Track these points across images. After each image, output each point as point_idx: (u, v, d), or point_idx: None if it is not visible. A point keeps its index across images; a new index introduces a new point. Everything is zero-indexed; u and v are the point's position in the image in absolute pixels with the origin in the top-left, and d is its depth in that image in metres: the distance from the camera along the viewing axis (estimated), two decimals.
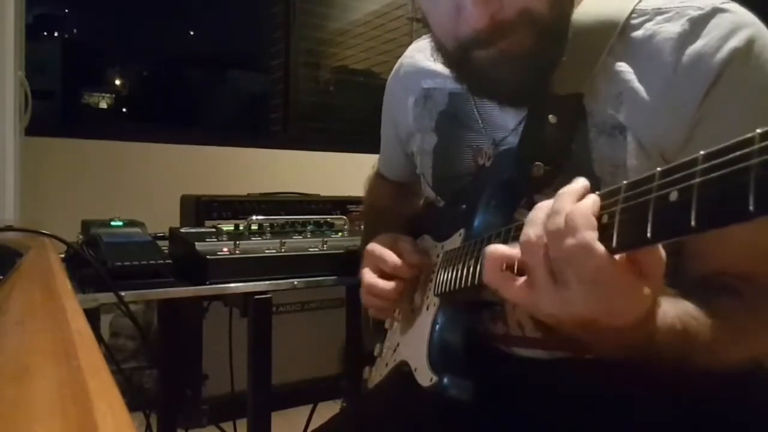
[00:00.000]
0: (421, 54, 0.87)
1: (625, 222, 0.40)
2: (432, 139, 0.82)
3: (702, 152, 0.34)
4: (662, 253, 0.42)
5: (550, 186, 0.64)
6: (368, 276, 0.78)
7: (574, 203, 0.43)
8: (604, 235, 0.41)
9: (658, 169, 0.38)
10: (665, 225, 0.36)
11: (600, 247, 0.41)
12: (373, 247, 0.79)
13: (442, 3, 0.63)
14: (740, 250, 0.58)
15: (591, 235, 0.41)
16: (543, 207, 0.46)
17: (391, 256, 0.76)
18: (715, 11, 0.59)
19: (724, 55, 0.58)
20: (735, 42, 0.58)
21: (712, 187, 0.33)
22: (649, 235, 0.37)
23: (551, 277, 0.44)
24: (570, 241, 0.42)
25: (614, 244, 0.40)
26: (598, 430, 0.64)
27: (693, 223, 0.34)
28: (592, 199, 0.43)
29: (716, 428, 0.61)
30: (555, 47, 0.63)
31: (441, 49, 0.69)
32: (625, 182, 0.41)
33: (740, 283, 0.59)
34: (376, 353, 0.86)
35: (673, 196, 0.35)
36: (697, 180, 0.34)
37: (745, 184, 0.31)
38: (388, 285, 0.75)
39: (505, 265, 0.48)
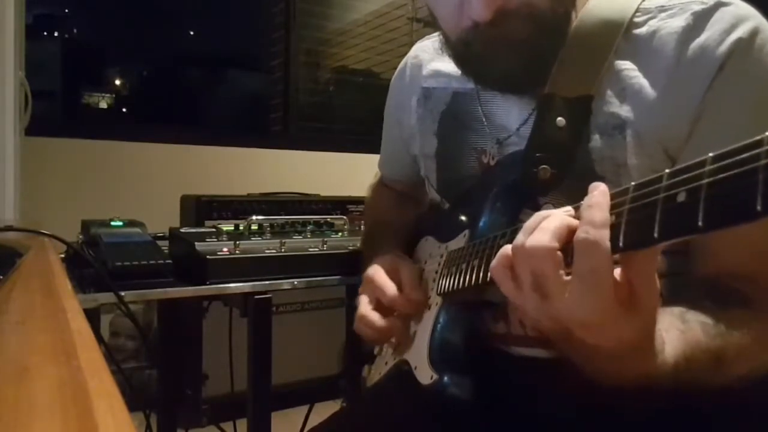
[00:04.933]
0: (425, 53, 0.87)
1: (632, 222, 0.40)
2: (432, 143, 0.82)
3: (711, 154, 0.35)
4: (657, 285, 0.43)
5: (555, 189, 0.64)
6: (364, 306, 0.75)
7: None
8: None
9: (666, 170, 0.38)
10: (673, 224, 0.36)
11: (607, 245, 0.40)
12: (373, 273, 0.76)
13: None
14: (748, 248, 0.58)
15: (604, 233, 0.41)
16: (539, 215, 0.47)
17: (390, 289, 0.73)
18: (718, 5, 0.60)
19: (727, 47, 0.58)
20: (738, 33, 0.58)
21: (720, 187, 0.33)
22: (656, 234, 0.37)
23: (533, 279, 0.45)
24: (581, 234, 0.41)
25: (620, 243, 0.40)
26: (599, 430, 0.64)
27: (700, 222, 0.34)
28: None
29: (721, 421, 0.61)
30: (553, 40, 0.65)
31: (447, 42, 0.71)
32: (633, 183, 0.41)
33: (748, 285, 0.58)
34: (375, 351, 0.86)
35: (681, 196, 0.36)
36: (705, 180, 0.34)
37: (753, 185, 0.31)
38: (381, 321, 0.73)
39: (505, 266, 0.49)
